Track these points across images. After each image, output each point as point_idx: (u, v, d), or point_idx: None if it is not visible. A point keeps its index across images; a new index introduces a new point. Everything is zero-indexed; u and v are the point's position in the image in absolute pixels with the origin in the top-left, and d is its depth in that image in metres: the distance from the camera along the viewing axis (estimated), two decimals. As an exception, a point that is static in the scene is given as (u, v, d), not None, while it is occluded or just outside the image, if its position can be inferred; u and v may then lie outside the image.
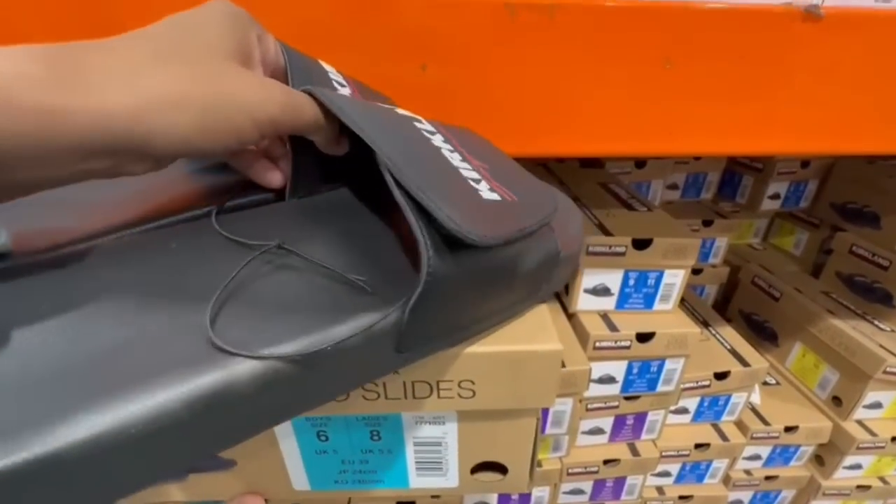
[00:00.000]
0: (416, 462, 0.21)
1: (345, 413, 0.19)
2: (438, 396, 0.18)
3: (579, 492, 0.57)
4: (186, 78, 0.15)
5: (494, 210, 0.16)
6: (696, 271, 0.73)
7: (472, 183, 0.16)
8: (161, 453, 0.12)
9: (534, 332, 0.18)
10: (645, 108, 0.31)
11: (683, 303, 0.65)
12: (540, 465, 0.54)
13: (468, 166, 0.18)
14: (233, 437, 0.14)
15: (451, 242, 0.14)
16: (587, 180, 0.59)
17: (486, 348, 0.17)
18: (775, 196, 0.73)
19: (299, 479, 0.22)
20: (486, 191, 0.16)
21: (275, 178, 0.22)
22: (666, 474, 0.59)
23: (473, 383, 0.18)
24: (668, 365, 0.49)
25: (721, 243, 0.72)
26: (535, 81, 0.30)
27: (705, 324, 0.62)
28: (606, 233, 0.45)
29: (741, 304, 0.75)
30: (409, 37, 0.28)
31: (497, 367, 0.17)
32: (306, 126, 0.18)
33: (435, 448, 0.20)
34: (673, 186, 0.76)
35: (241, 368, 0.13)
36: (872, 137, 0.33)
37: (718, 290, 0.76)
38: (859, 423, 0.59)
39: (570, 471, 0.54)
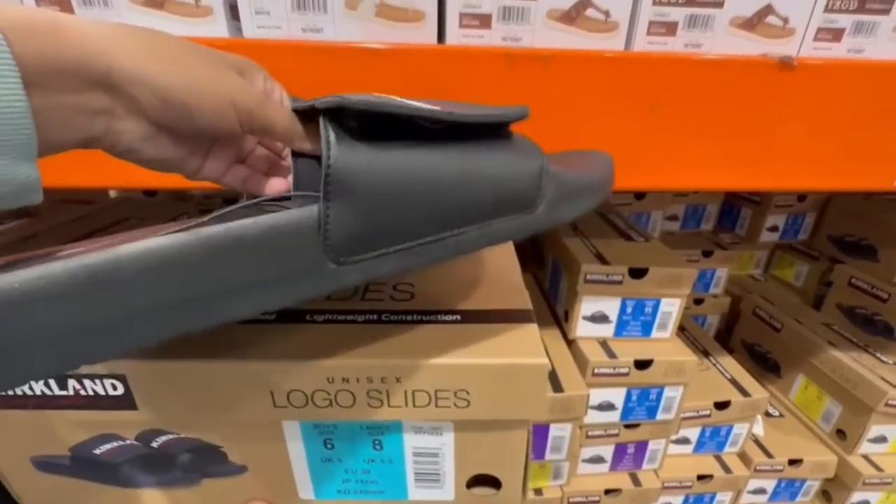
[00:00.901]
0: (415, 473, 0.23)
1: (351, 419, 0.21)
2: (437, 405, 0.19)
3: (581, 522, 0.57)
4: (174, 43, 0.18)
5: (427, 105, 0.16)
6: (697, 301, 0.74)
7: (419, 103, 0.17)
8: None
9: (523, 348, 0.20)
10: (634, 148, 0.34)
11: (684, 332, 0.66)
12: (541, 493, 0.54)
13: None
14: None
15: (363, 135, 0.15)
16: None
17: (478, 360, 0.19)
18: (774, 228, 0.75)
19: (305, 487, 0.23)
20: (426, 103, 0.17)
21: (275, 184, 0.23)
22: (669, 506, 0.59)
23: (468, 393, 0.19)
24: (667, 392, 0.50)
25: (721, 274, 0.74)
26: (530, 123, 0.33)
27: (706, 353, 0.62)
28: (604, 262, 0.47)
29: (744, 335, 0.75)
30: (422, 81, 0.31)
31: (489, 379, 0.19)
32: (282, 131, 0.20)
33: (433, 459, 0.22)
34: (673, 218, 0.78)
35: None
36: (842, 175, 0.35)
37: (721, 320, 0.77)
38: (865, 457, 0.58)
39: (570, 499, 0.54)
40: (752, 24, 0.33)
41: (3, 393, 0.19)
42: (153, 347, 0.20)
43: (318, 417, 0.20)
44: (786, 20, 0.33)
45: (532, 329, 0.21)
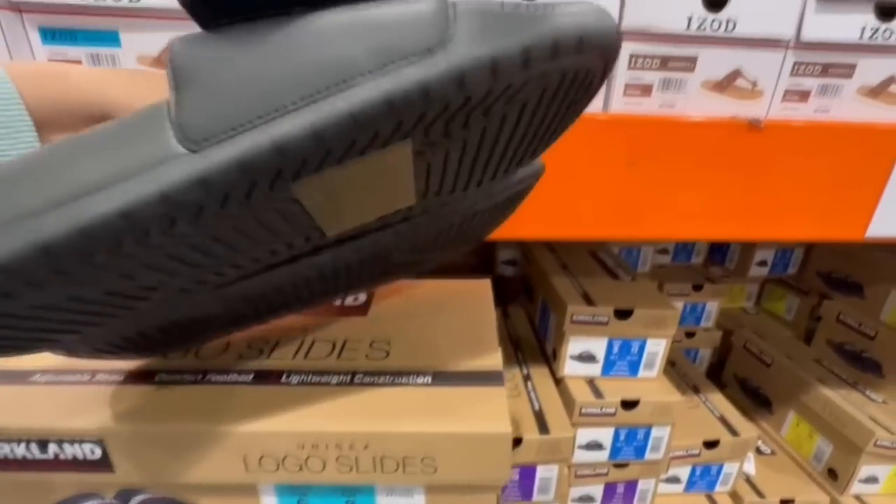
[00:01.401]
0: (388, 531, 0.23)
1: (322, 482, 0.21)
2: (404, 471, 0.20)
3: (571, 563, 0.56)
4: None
5: None
6: (689, 334, 0.75)
7: None
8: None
9: (488, 415, 0.21)
10: (613, 201, 0.35)
11: (674, 367, 0.67)
12: (530, 533, 0.53)
13: None
14: None
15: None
16: (577, 247, 0.62)
17: (444, 429, 0.20)
18: (762, 263, 0.76)
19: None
20: None
21: None
22: (661, 547, 0.58)
23: (435, 460, 0.20)
24: (655, 432, 0.50)
25: (712, 307, 0.74)
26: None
27: (695, 389, 0.62)
28: (590, 302, 0.48)
29: (735, 369, 0.75)
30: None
31: (454, 446, 0.20)
32: None
33: (405, 519, 0.22)
34: (663, 251, 0.79)
35: None
36: (813, 227, 0.36)
37: (713, 354, 0.77)
38: (857, 498, 0.58)
39: (560, 540, 0.53)
40: (723, 86, 0.35)
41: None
42: (130, 410, 0.21)
43: (289, 481, 0.21)
44: (754, 83, 0.35)
45: (499, 393, 0.22)
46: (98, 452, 0.20)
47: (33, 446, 0.20)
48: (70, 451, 0.20)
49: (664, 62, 0.34)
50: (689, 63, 0.34)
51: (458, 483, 0.20)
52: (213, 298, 0.19)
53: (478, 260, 0.78)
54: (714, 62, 0.34)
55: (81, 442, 0.20)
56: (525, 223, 0.35)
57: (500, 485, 0.21)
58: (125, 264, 0.14)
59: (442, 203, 0.19)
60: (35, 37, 0.32)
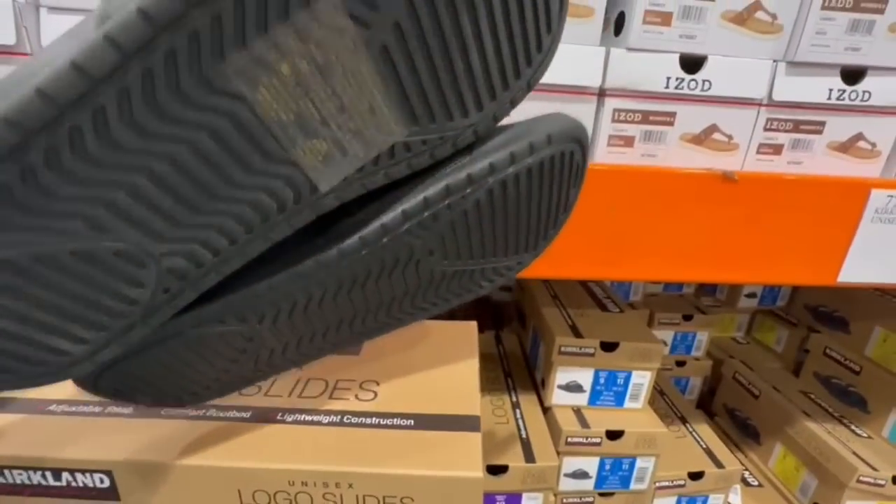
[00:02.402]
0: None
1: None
2: (384, 510, 0.22)
3: (557, 591, 0.57)
4: None
5: None
6: (679, 363, 0.76)
7: None
8: None
9: (462, 460, 0.22)
10: (593, 242, 0.37)
11: (663, 396, 0.68)
12: (516, 559, 0.54)
13: None
14: None
15: None
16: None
17: (420, 472, 0.22)
18: (752, 295, 0.78)
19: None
20: None
21: None
22: (646, 577, 0.59)
23: (413, 500, 0.22)
24: (640, 463, 0.52)
25: (703, 337, 0.76)
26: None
27: (683, 420, 0.63)
28: (578, 334, 0.50)
29: (725, 399, 0.76)
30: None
31: (430, 488, 0.22)
32: None
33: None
34: (654, 280, 0.81)
35: None
36: (788, 272, 0.38)
37: (703, 383, 0.78)
38: (842, 533, 0.58)
39: (546, 568, 0.54)
40: (701, 139, 0.37)
41: (4, 481, 0.22)
42: (137, 443, 0.23)
43: (280, 514, 0.23)
44: (730, 137, 0.37)
45: (475, 439, 0.23)
46: (107, 482, 0.22)
47: (48, 474, 0.22)
48: (81, 479, 0.22)
49: (645, 117, 0.36)
50: (669, 118, 0.36)
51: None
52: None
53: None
54: (692, 118, 0.36)
55: (92, 472, 0.22)
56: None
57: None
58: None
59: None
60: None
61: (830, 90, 0.35)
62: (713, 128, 0.37)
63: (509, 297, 0.78)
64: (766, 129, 0.37)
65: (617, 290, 0.69)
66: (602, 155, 0.37)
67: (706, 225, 0.37)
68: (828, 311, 0.70)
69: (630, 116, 0.36)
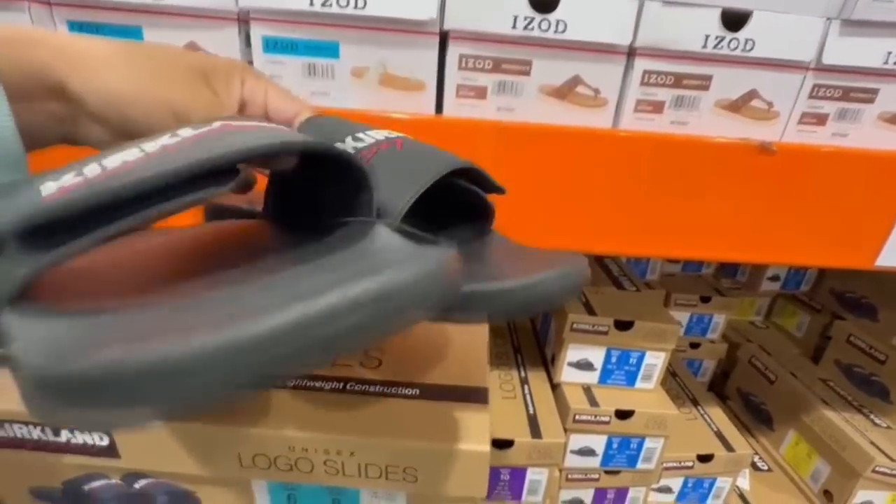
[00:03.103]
0: (374, 528, 0.24)
1: (310, 483, 0.23)
2: (387, 478, 0.21)
3: (557, 562, 0.57)
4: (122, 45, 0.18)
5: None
6: (693, 345, 0.74)
7: None
8: None
9: (469, 432, 0.21)
10: (613, 217, 0.35)
11: (675, 378, 0.67)
12: (518, 530, 0.54)
13: None
14: None
15: None
16: (583, 254, 0.62)
17: (426, 444, 0.21)
18: (775, 278, 0.75)
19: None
20: None
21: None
22: (648, 554, 0.59)
23: (416, 470, 0.21)
24: (648, 443, 0.51)
25: (719, 320, 0.73)
26: (520, 194, 0.35)
27: (694, 402, 0.62)
28: (591, 311, 0.48)
29: (739, 383, 0.75)
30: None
31: (434, 460, 0.21)
32: None
33: (389, 519, 0.24)
34: (674, 261, 0.78)
35: None
36: (822, 253, 0.36)
37: (717, 366, 0.76)
38: (851, 521, 0.57)
39: (548, 539, 0.54)
40: (738, 106, 0.34)
41: (5, 434, 0.22)
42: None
43: (280, 479, 0.22)
44: (770, 104, 0.34)
45: (482, 411, 0.22)
46: (106, 440, 0.22)
47: (48, 430, 0.22)
48: (81, 437, 0.22)
49: (678, 80, 0.34)
50: (704, 82, 0.34)
51: (438, 494, 0.21)
52: None
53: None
54: (729, 82, 0.34)
55: (91, 430, 0.22)
56: (532, 232, 0.36)
57: (477, 497, 0.22)
58: None
59: None
60: (63, 29, 0.33)
61: (889, 53, 0.32)
62: (752, 94, 0.34)
63: (522, 273, 0.76)
64: (811, 97, 0.34)
65: (633, 268, 0.67)
66: (628, 121, 0.35)
67: (736, 200, 0.35)
68: (855, 298, 0.67)
69: (661, 79, 0.34)
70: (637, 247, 0.36)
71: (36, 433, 0.22)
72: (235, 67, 0.22)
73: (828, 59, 0.32)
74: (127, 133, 0.19)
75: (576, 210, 0.35)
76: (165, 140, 0.14)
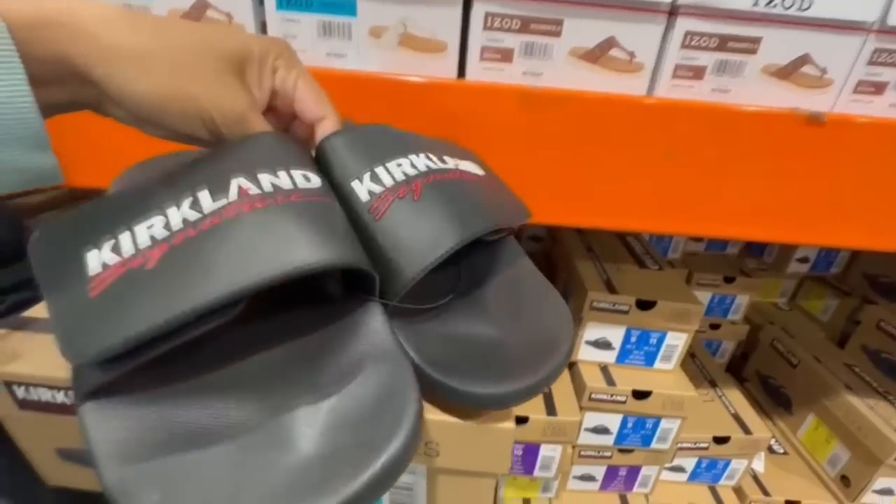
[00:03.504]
0: (391, 502, 0.24)
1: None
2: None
3: (566, 534, 0.58)
4: (148, 28, 0.17)
5: None
6: (714, 326, 0.72)
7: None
8: None
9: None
10: (646, 192, 0.33)
11: (693, 359, 0.65)
12: (529, 502, 0.55)
13: None
14: None
15: None
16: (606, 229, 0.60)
17: (449, 418, 0.20)
18: (804, 259, 0.72)
19: None
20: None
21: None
22: (657, 530, 0.59)
23: (439, 445, 0.20)
24: (664, 424, 0.50)
25: (742, 301, 0.72)
26: (544, 162, 0.33)
27: (712, 383, 0.61)
28: (612, 290, 0.47)
29: (758, 366, 0.73)
30: (439, 118, 0.32)
31: (458, 434, 0.20)
32: None
33: (406, 492, 0.23)
34: (697, 238, 0.75)
35: None
36: (868, 235, 0.33)
37: (737, 347, 0.75)
38: (868, 507, 0.57)
39: (558, 513, 0.55)
40: (787, 72, 0.31)
41: (33, 399, 0.22)
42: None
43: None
44: (823, 70, 0.31)
45: None
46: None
47: (71, 395, 0.22)
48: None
49: (723, 42, 0.31)
50: (751, 45, 0.31)
51: (459, 469, 0.21)
52: None
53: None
54: (779, 45, 0.31)
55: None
56: (553, 208, 0.34)
57: (499, 473, 0.21)
58: None
59: None
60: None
61: (964, 13, 0.29)
62: (804, 59, 0.31)
63: (539, 248, 0.75)
64: (870, 63, 0.31)
65: (655, 246, 0.65)
66: (664, 88, 0.32)
67: (776, 176, 0.32)
68: (890, 282, 0.64)
69: (704, 42, 0.31)
70: (667, 224, 0.34)
71: (60, 397, 0.22)
72: (270, 50, 0.20)
73: (893, 21, 0.29)
74: (152, 123, 0.19)
75: (604, 184, 0.33)
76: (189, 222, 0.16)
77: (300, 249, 0.16)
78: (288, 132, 0.24)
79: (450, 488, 0.22)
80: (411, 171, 0.21)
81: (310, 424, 0.15)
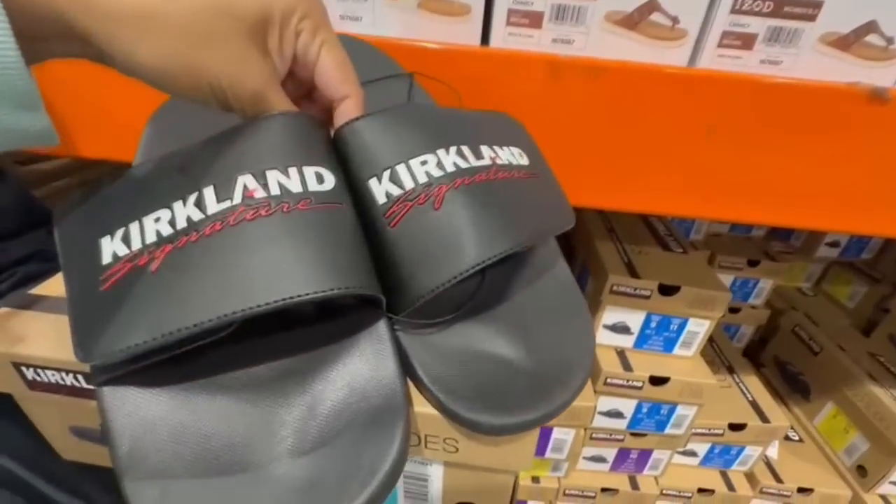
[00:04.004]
0: (405, 491, 0.24)
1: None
2: (426, 446, 0.20)
3: (574, 512, 0.58)
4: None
5: None
6: (733, 310, 0.70)
7: None
8: None
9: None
10: (681, 172, 0.31)
11: (711, 343, 0.64)
12: (538, 481, 0.55)
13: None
14: None
15: None
16: (627, 210, 0.58)
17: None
18: (834, 244, 0.69)
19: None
20: None
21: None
22: (664, 510, 0.60)
23: (457, 441, 0.19)
24: (680, 410, 0.49)
25: (765, 285, 0.69)
26: (573, 138, 0.31)
27: (730, 369, 0.60)
28: (634, 273, 0.45)
29: (777, 351, 0.72)
30: (459, 90, 0.29)
31: (477, 435, 0.19)
32: None
33: (422, 483, 0.23)
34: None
35: None
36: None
37: (756, 332, 0.73)
38: (883, 497, 0.56)
39: (567, 491, 0.55)
40: (848, 42, 0.28)
41: (42, 380, 0.22)
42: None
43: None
44: (890, 40, 0.28)
45: None
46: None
47: (80, 377, 0.21)
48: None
49: (777, 7, 0.28)
50: (810, 10, 0.28)
51: (478, 465, 0.20)
52: None
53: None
54: (842, 11, 0.28)
55: None
56: (578, 188, 0.32)
57: (519, 471, 0.21)
58: None
59: None
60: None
61: None
62: (870, 27, 0.28)
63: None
64: (945, 32, 0.28)
65: (677, 226, 0.63)
66: (709, 58, 0.29)
67: (831, 158, 0.30)
68: (926, 270, 0.61)
69: (757, 6, 0.28)
70: (706, 209, 0.32)
71: (69, 380, 0.21)
72: (295, 9, 0.18)
73: (979, -18, 0.26)
74: (160, 89, 0.17)
75: (637, 164, 0.31)
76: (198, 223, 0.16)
77: (302, 277, 0.15)
78: (309, 100, 0.22)
79: (467, 482, 0.21)
80: (436, 173, 0.19)
81: (299, 444, 0.15)
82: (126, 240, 0.15)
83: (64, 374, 0.21)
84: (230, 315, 0.14)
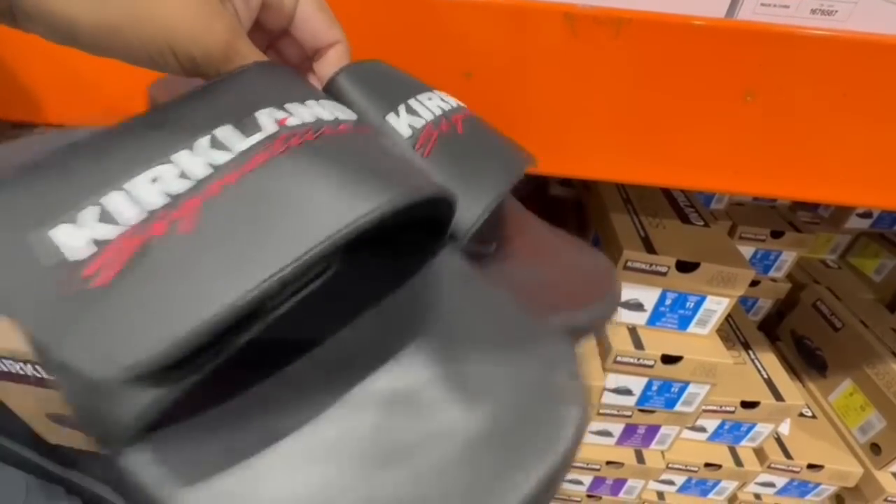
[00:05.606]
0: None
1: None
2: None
3: (577, 482, 0.59)
4: None
5: None
6: (752, 283, 0.67)
7: None
8: None
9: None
10: (713, 142, 0.28)
11: (727, 318, 0.62)
12: (543, 453, 0.55)
13: None
14: None
15: None
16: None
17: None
18: (866, 214, 0.65)
19: None
20: None
21: None
22: (669, 483, 0.60)
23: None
24: (692, 389, 0.48)
25: (788, 258, 0.66)
26: (591, 103, 0.27)
27: (746, 345, 0.58)
28: (650, 248, 0.43)
29: (795, 325, 0.69)
30: (454, 42, 0.26)
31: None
32: None
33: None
34: (746, 188, 0.68)
35: None
36: None
37: (774, 305, 0.70)
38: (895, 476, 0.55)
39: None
40: (919, -14, 0.24)
41: (7, 370, 0.20)
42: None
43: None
44: (972, -16, 0.24)
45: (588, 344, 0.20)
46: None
47: (40, 369, 0.20)
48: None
49: (839, -56, 0.24)
50: (878, -53, 0.23)
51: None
52: None
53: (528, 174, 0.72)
54: (918, -52, 0.23)
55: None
56: (596, 159, 0.29)
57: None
58: None
59: None
60: None
61: None
62: (949, -33, 0.23)
63: (569, 193, 0.69)
64: None
65: (698, 195, 0.59)
66: (750, 8, 0.25)
67: (880, 125, 0.26)
68: (965, 244, 0.58)
69: (813, -56, 0.24)
70: (736, 183, 0.28)
71: (30, 370, 0.20)
72: None
73: None
74: (96, 51, 0.14)
75: (664, 132, 0.28)
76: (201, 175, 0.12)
77: (385, 190, 0.13)
78: (272, 50, 0.20)
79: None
80: (445, 106, 0.19)
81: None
82: (107, 217, 0.11)
83: (23, 365, 0.20)
84: (325, 241, 0.11)
